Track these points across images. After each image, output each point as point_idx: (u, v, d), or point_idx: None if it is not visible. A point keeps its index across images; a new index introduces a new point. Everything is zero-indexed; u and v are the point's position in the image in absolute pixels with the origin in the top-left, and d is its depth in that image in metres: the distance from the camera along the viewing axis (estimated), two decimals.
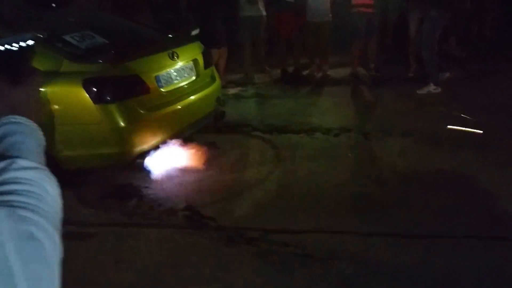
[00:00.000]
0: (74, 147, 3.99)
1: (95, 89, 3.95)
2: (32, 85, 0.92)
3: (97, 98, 3.95)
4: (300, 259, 3.20)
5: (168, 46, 4.61)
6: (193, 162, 4.75)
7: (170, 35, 5.26)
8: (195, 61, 4.89)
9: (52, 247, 0.67)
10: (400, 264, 3.10)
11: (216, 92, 5.14)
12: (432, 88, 6.99)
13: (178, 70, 4.62)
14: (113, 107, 4.00)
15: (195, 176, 4.65)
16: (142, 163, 4.27)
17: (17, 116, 0.84)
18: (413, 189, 4.12)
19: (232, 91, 7.69)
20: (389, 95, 7.05)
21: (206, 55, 5.15)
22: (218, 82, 5.26)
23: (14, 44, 0.88)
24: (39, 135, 0.87)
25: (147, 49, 4.54)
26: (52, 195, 0.74)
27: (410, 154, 4.85)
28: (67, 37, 4.26)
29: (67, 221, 0.69)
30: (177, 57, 4.58)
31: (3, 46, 0.87)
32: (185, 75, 4.72)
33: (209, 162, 4.97)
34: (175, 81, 4.57)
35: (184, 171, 4.71)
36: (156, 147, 4.36)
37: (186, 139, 4.98)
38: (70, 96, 3.98)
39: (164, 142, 4.45)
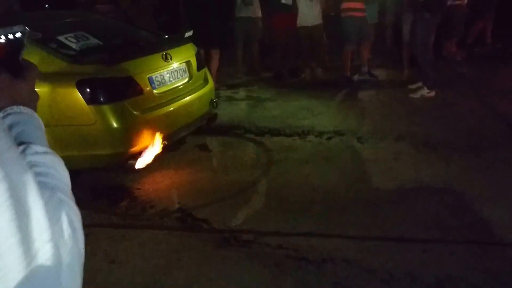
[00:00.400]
0: (67, 148, 3.97)
1: (89, 90, 3.94)
2: (30, 77, 0.94)
3: (90, 99, 3.94)
4: (294, 262, 3.19)
5: (162, 48, 4.60)
6: (186, 164, 4.75)
7: (163, 37, 5.25)
8: (188, 62, 4.88)
9: (78, 218, 0.71)
10: (394, 268, 3.09)
11: (209, 94, 5.14)
12: (425, 91, 7.01)
13: (171, 71, 4.61)
14: (106, 108, 3.99)
15: (187, 178, 4.65)
16: (135, 164, 4.26)
17: (20, 106, 0.88)
18: (407, 193, 4.12)
19: (224, 93, 7.70)
20: (383, 98, 7.08)
21: (199, 57, 5.15)
22: (211, 84, 5.25)
23: (2, 37, 0.89)
24: (40, 122, 0.91)
25: (141, 50, 4.53)
26: (64, 174, 0.79)
27: (404, 158, 4.86)
28: (61, 38, 4.25)
29: None
30: (171, 58, 4.57)
31: None
32: (178, 76, 4.71)
33: (201, 164, 4.98)
34: (168, 83, 4.56)
35: (177, 172, 4.71)
36: (149, 149, 4.35)
37: (179, 141, 4.99)
38: (64, 97, 3.97)
39: (157, 143, 4.44)
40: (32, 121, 0.87)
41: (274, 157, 5.08)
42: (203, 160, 5.12)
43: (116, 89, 4.08)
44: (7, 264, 0.53)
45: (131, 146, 4.16)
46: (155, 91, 4.38)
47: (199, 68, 5.06)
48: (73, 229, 0.67)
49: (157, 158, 4.56)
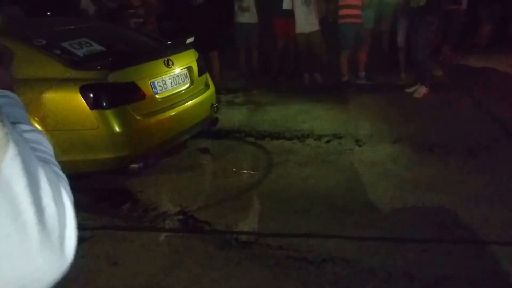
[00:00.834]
0: (71, 152, 4.03)
1: (92, 96, 4.01)
2: (8, 61, 1.00)
3: (93, 104, 4.01)
4: (294, 262, 3.25)
5: (163, 54, 4.68)
6: (187, 167, 4.82)
7: (165, 43, 5.33)
8: (189, 68, 4.96)
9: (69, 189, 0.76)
10: (393, 267, 3.14)
11: (210, 98, 5.21)
12: (424, 90, 7.21)
13: (173, 77, 4.69)
14: (109, 113, 4.06)
15: (189, 180, 4.71)
16: (137, 167, 4.32)
17: (3, 90, 0.93)
18: (406, 194, 4.18)
19: (225, 97, 7.77)
20: (380, 102, 7.14)
21: (201, 63, 5.23)
22: (212, 89, 5.33)
23: None
24: (22, 104, 0.96)
25: (143, 56, 4.60)
26: (50, 149, 0.85)
27: (402, 160, 4.92)
28: (65, 45, 4.33)
29: None
30: (172, 64, 4.65)
31: None
32: (180, 82, 4.79)
33: (203, 167, 5.04)
34: (170, 88, 4.64)
35: (178, 175, 4.77)
36: (151, 152, 4.42)
37: (181, 145, 5.06)
38: (68, 102, 4.04)
39: (159, 147, 4.51)
40: (16, 103, 0.93)
41: (274, 160, 5.14)
42: (204, 163, 5.18)
43: (119, 95, 4.15)
44: (25, 221, 0.63)
45: (134, 150, 4.23)
46: (157, 96, 4.45)
47: (200, 73, 5.13)
48: (70, 198, 0.73)
49: (159, 161, 4.63)
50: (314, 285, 3.05)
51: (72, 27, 5.01)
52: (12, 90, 0.96)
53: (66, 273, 0.70)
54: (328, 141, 5.54)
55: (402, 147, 5.24)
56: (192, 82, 4.96)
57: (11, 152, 0.64)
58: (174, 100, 4.64)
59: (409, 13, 7.13)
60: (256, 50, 9.17)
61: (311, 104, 7.20)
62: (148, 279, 3.20)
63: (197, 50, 5.28)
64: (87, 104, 4.00)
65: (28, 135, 0.81)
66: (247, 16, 8.70)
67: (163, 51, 4.81)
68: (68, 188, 0.75)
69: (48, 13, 5.17)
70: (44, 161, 0.74)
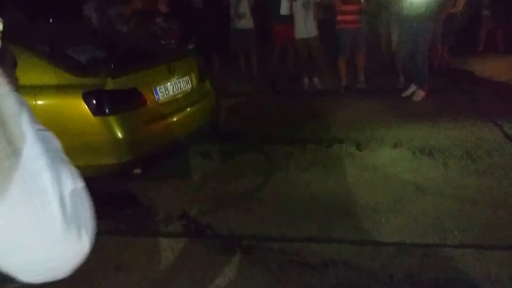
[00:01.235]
0: (74, 158, 4.02)
1: (95, 102, 4.04)
2: (7, 62, 1.05)
3: (96, 111, 4.04)
4: (296, 267, 3.27)
5: (165, 60, 4.71)
6: (189, 171, 4.85)
7: (167, 49, 5.36)
8: (191, 73, 4.99)
9: None
10: (394, 272, 3.17)
11: (211, 103, 5.24)
12: (423, 93, 7.30)
13: (175, 82, 4.72)
14: (111, 119, 4.09)
15: (191, 185, 4.74)
16: (139, 172, 4.34)
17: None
18: (406, 198, 4.20)
19: (226, 102, 7.79)
20: (380, 106, 7.17)
21: (202, 68, 5.26)
22: (213, 93, 5.36)
23: None
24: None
25: (145, 62, 4.64)
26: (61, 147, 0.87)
27: (402, 164, 4.95)
28: (68, 51, 4.37)
29: None
30: (174, 70, 4.69)
31: None
32: (182, 87, 4.82)
33: (204, 171, 5.07)
34: (172, 93, 4.67)
35: (181, 180, 4.80)
36: (153, 157, 4.45)
37: (183, 149, 5.09)
38: (70, 108, 4.07)
39: (161, 152, 4.54)
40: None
41: (275, 164, 5.17)
42: (206, 167, 5.20)
43: (121, 101, 4.18)
44: (52, 210, 0.68)
45: (136, 155, 4.26)
46: (159, 101, 4.48)
47: (202, 78, 5.17)
48: (85, 191, 0.80)
49: (161, 166, 4.65)
50: None
51: (75, 33, 5.04)
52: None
53: (69, 278, 0.75)
54: (328, 146, 5.57)
55: (402, 151, 5.27)
56: (193, 87, 4.99)
57: (39, 148, 0.70)
58: (176, 105, 4.67)
59: (405, 19, 7.17)
60: (254, 55, 9.25)
61: (311, 109, 7.23)
62: (152, 284, 3.23)
63: (198, 54, 5.31)
64: (90, 110, 4.03)
65: (43, 133, 0.83)
66: (244, 22, 8.79)
67: (165, 56, 4.85)
68: (82, 181, 0.79)
69: (51, 20, 5.19)
70: (61, 158, 0.78)
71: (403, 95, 7.52)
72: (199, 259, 3.47)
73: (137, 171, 4.30)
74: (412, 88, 7.46)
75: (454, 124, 6.07)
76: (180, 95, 4.77)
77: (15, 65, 1.07)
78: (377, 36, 8.91)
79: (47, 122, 1.04)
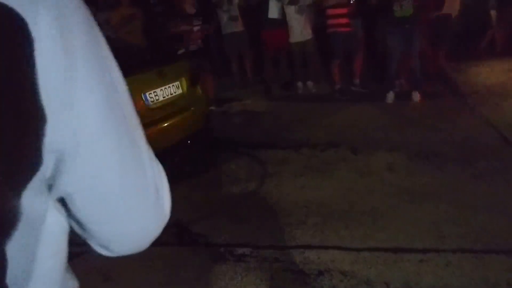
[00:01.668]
0: None
1: None
2: None
3: None
4: (291, 275, 3.20)
5: (155, 65, 4.63)
6: (181, 179, 4.76)
7: (157, 54, 5.29)
8: (182, 79, 4.92)
9: None
10: (391, 278, 3.10)
11: (203, 109, 5.17)
12: (419, 95, 7.33)
13: (165, 88, 4.64)
14: None
15: (183, 192, 4.65)
16: None
17: None
18: (403, 203, 4.14)
19: (219, 107, 7.74)
20: (375, 110, 7.12)
21: (193, 73, 5.19)
22: (205, 99, 5.29)
23: None
24: None
25: (135, 67, 4.55)
26: None
27: (398, 169, 4.88)
28: None
29: None
30: (164, 75, 4.61)
31: None
32: (172, 92, 4.74)
33: (197, 178, 4.99)
34: (162, 99, 4.59)
35: (172, 187, 4.71)
36: None
37: (174, 156, 5.00)
38: None
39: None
40: None
41: (268, 170, 5.10)
42: (198, 174, 5.13)
43: None
44: (148, 180, 0.73)
45: None
46: (149, 107, 4.41)
47: (193, 84, 5.09)
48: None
49: None
50: None
51: None
52: None
53: None
54: (323, 150, 5.50)
55: (398, 156, 5.20)
56: (184, 92, 4.92)
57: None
58: (167, 111, 4.60)
59: (397, 22, 7.13)
60: (247, 58, 9.21)
61: (305, 113, 7.18)
62: None
63: (189, 60, 5.25)
64: None
65: None
66: (235, 25, 8.74)
67: (155, 62, 4.77)
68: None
69: None
70: None
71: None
72: (192, 268, 3.40)
73: None
74: (391, 94, 7.43)
75: (451, 127, 6.02)
76: (170, 100, 4.70)
77: None
78: (373, 39, 8.85)
79: None
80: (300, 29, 8.21)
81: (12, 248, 0.57)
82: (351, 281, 3.12)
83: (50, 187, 0.63)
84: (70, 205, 0.67)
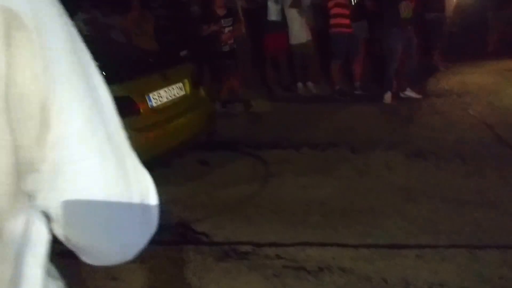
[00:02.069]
0: None
1: None
2: None
3: None
4: (292, 272, 3.29)
5: (159, 67, 4.73)
6: (185, 179, 4.85)
7: (160, 56, 5.38)
8: (185, 81, 5.01)
9: None
10: (389, 274, 3.19)
11: (206, 110, 5.26)
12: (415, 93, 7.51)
13: (169, 90, 4.73)
14: None
15: (187, 192, 4.74)
16: None
17: None
18: (400, 200, 4.23)
19: (221, 109, 7.80)
20: (374, 110, 7.20)
21: (196, 75, 5.28)
22: (208, 101, 5.38)
23: None
24: None
25: (138, 70, 4.65)
26: None
27: (397, 167, 4.97)
28: None
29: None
30: (168, 77, 4.70)
31: None
32: (175, 94, 4.83)
33: (200, 178, 5.07)
34: (166, 100, 4.68)
35: (176, 187, 4.80)
36: (148, 166, 4.45)
37: (178, 157, 5.10)
38: None
39: (156, 161, 4.54)
40: None
41: (271, 170, 5.19)
42: (201, 174, 5.21)
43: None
44: (132, 195, 0.71)
45: None
46: (153, 110, 4.50)
47: (196, 86, 5.18)
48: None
49: (156, 174, 4.64)
50: None
51: None
52: None
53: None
54: (323, 150, 5.59)
55: (395, 154, 5.28)
56: (187, 94, 5.01)
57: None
58: (170, 113, 4.69)
59: (402, 23, 7.22)
60: (248, 60, 9.24)
61: (306, 114, 7.25)
62: None
63: (191, 62, 5.33)
64: None
65: None
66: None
67: (158, 64, 4.86)
68: None
69: None
70: None
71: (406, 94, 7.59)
72: (195, 267, 3.47)
73: None
74: (389, 94, 7.53)
75: (446, 126, 6.11)
76: (174, 102, 4.79)
77: None
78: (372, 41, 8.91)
79: None
80: (300, 31, 8.29)
81: None
82: (351, 277, 3.21)
83: (32, 200, 0.63)
84: (53, 219, 0.67)
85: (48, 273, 0.70)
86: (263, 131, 6.57)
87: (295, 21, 8.28)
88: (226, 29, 7.61)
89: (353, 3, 7.97)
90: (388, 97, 7.50)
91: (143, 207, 0.73)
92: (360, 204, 4.23)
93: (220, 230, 3.95)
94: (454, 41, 9.12)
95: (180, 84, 4.93)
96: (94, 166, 0.64)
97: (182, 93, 4.94)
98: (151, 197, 0.76)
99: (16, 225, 0.61)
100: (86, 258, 0.74)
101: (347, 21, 7.93)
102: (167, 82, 4.73)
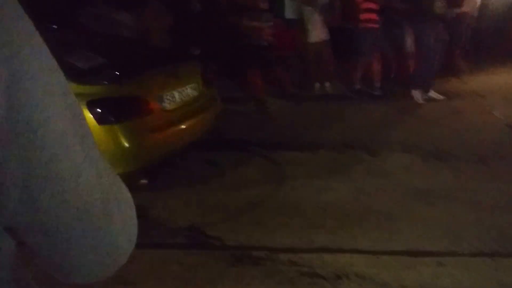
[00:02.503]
0: None
1: (99, 110, 3.98)
2: None
3: (101, 119, 3.98)
4: (308, 279, 3.19)
5: (171, 66, 4.65)
6: (196, 181, 4.78)
7: (172, 55, 5.31)
8: (196, 80, 4.93)
9: None
10: (408, 282, 3.08)
11: (217, 110, 5.18)
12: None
13: (181, 90, 4.65)
14: (117, 128, 4.03)
15: (198, 195, 4.66)
16: (146, 183, 4.27)
17: None
18: (419, 205, 4.12)
19: (234, 108, 7.72)
20: (392, 110, 7.09)
21: (207, 75, 5.20)
22: (219, 100, 5.30)
23: None
24: None
25: (150, 69, 4.57)
26: None
27: (416, 170, 4.87)
28: (70, 59, 4.30)
29: None
30: (180, 77, 4.62)
31: None
32: (188, 94, 4.75)
33: (212, 180, 4.99)
34: (178, 101, 4.60)
35: (188, 189, 4.73)
36: (159, 166, 4.38)
37: (189, 158, 5.02)
38: None
39: (167, 161, 4.48)
40: None
41: (285, 172, 5.08)
42: (213, 176, 5.13)
43: (126, 109, 4.13)
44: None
45: (142, 164, 4.19)
46: (164, 109, 4.42)
47: (207, 85, 5.10)
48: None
49: (168, 175, 4.58)
50: None
51: (77, 40, 4.99)
52: None
53: None
54: (339, 152, 5.49)
55: (414, 157, 5.17)
56: (199, 94, 4.92)
57: None
58: (182, 113, 4.61)
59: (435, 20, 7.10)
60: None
61: (321, 114, 7.16)
62: None
63: (205, 60, 5.26)
64: (94, 119, 3.97)
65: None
66: None
67: (170, 63, 4.79)
68: None
69: (54, 26, 5.14)
70: None
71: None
72: (208, 271, 3.39)
73: (144, 181, 4.23)
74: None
75: (466, 128, 5.98)
76: (186, 102, 4.71)
77: None
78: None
79: None
80: (316, 30, 8.18)
81: None
82: (369, 285, 3.10)
83: None
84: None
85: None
86: (277, 131, 6.48)
87: (310, 20, 8.18)
88: (267, 24, 7.49)
89: None
90: (417, 94, 7.32)
91: (105, 221, 0.66)
92: (378, 208, 4.12)
93: (233, 234, 3.86)
94: (478, 39, 8.96)
95: (193, 84, 4.85)
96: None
97: (195, 93, 4.86)
98: (124, 210, 0.70)
99: None
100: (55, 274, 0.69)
101: (376, 17, 7.78)
102: (179, 82, 4.65)
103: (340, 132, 6.31)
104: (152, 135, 4.23)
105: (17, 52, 0.55)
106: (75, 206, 0.61)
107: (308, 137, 6.12)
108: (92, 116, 3.95)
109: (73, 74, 4.17)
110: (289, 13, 8.40)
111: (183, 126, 4.55)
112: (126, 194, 0.72)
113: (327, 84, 8.60)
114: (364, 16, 7.84)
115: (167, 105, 4.46)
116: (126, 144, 4.05)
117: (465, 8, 8.09)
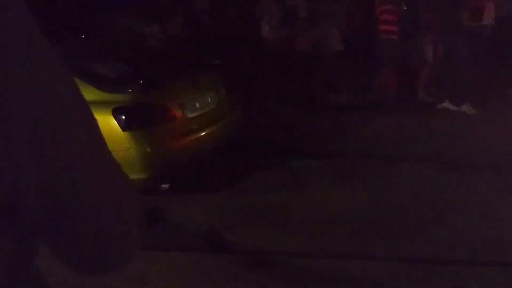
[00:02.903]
0: None
1: (124, 117, 4.12)
2: None
3: (125, 126, 4.12)
4: (323, 285, 3.27)
5: (193, 75, 4.78)
6: (216, 186, 4.87)
7: (194, 64, 5.43)
8: (217, 89, 5.05)
9: None
10: None
11: (237, 118, 5.29)
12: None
13: (203, 98, 4.78)
14: (140, 135, 4.16)
15: (217, 199, 4.76)
16: (167, 187, 4.39)
17: None
18: (433, 214, 4.17)
19: (252, 115, 7.80)
20: (408, 120, 7.12)
21: (228, 83, 5.31)
22: (239, 108, 5.41)
23: None
24: None
25: (173, 77, 4.71)
26: None
27: (430, 180, 4.90)
28: (97, 67, 4.45)
29: None
30: (202, 85, 4.75)
31: None
32: (209, 102, 4.88)
33: (231, 186, 5.09)
34: (200, 108, 4.72)
35: (207, 194, 4.83)
36: (181, 172, 4.50)
37: (209, 164, 5.13)
38: (100, 124, 4.13)
39: (188, 167, 4.59)
40: None
41: (301, 179, 5.16)
42: (232, 182, 5.22)
43: (150, 116, 4.25)
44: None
45: (164, 169, 4.31)
46: (186, 116, 4.54)
47: (228, 93, 5.22)
48: None
49: (189, 181, 4.68)
50: None
51: (103, 49, 5.14)
52: None
53: None
54: (355, 160, 5.55)
55: (430, 166, 5.21)
56: (220, 102, 5.04)
57: None
58: (204, 120, 4.73)
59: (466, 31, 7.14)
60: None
61: (337, 122, 7.21)
62: None
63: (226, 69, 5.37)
64: (119, 125, 4.10)
65: None
66: None
67: (192, 72, 4.91)
68: None
69: (83, 36, 5.31)
70: None
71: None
72: (225, 275, 3.47)
73: (165, 186, 4.35)
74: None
75: (483, 139, 5.99)
76: (207, 110, 4.83)
77: None
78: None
79: None
80: (329, 39, 8.25)
81: None
82: None
83: None
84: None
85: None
86: (294, 139, 6.55)
87: (326, 30, 8.25)
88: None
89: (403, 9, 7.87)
90: (451, 106, 7.40)
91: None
92: (392, 217, 4.17)
93: (250, 238, 3.95)
94: (493, 51, 8.92)
95: (214, 92, 4.98)
96: None
97: (216, 101, 4.98)
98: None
99: None
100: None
101: (395, 28, 7.85)
102: (201, 90, 4.78)
103: (355, 140, 6.38)
104: (174, 141, 4.36)
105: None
106: (91, 203, 0.66)
107: (324, 145, 6.19)
108: (116, 122, 4.09)
109: (100, 82, 4.33)
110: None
111: (203, 133, 4.67)
112: (130, 188, 0.76)
113: (344, 93, 8.66)
114: (382, 27, 7.91)
115: (189, 113, 4.58)
116: (149, 150, 4.17)
117: (485, 20, 8.08)
